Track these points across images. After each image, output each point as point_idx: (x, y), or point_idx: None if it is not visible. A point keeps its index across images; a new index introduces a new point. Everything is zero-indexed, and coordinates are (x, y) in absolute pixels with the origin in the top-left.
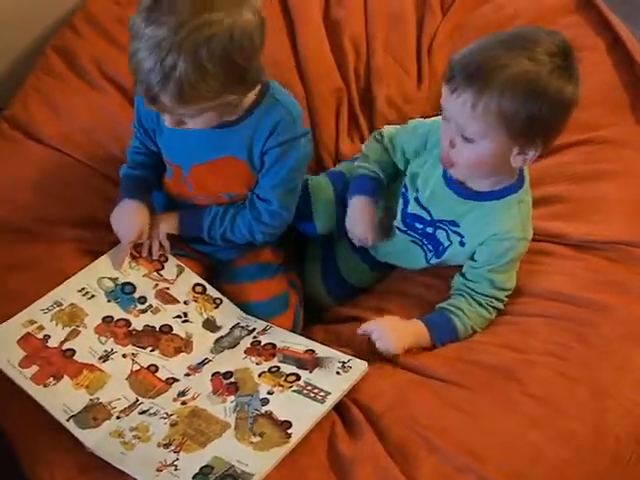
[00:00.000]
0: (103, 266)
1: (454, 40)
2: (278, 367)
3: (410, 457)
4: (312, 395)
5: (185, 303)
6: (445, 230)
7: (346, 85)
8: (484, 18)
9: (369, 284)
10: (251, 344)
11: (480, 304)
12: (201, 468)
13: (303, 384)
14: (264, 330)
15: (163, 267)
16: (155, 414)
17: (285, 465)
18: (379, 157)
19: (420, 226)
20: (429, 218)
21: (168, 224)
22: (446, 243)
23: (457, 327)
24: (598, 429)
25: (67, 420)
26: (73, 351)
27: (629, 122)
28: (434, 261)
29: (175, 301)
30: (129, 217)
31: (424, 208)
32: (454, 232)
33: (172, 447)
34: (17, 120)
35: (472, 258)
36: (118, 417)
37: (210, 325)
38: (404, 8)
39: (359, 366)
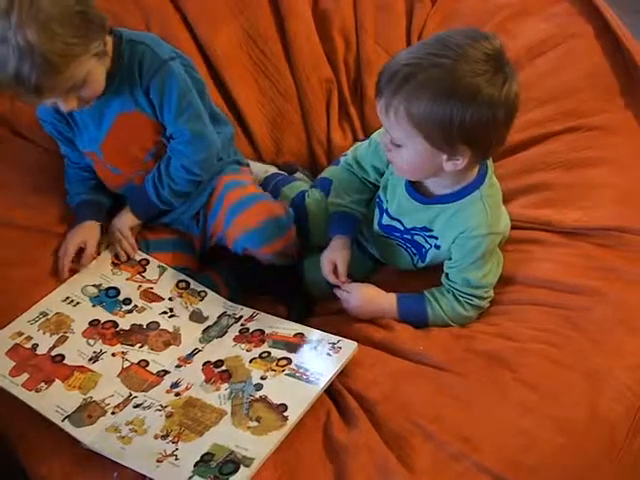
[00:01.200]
0: (85, 276)
1: (443, 29)
2: (269, 352)
3: (406, 445)
4: (305, 377)
5: (170, 299)
6: (421, 235)
7: (336, 76)
8: (473, 7)
9: (362, 275)
10: (239, 332)
11: (459, 302)
12: (202, 456)
13: (295, 367)
14: (251, 317)
15: (145, 269)
16: (149, 407)
17: (281, 453)
18: (352, 187)
19: (398, 234)
20: (402, 228)
21: (123, 219)
22: (427, 246)
23: (427, 314)
24: (592, 415)
25: (62, 421)
26: (62, 356)
27: (618, 108)
28: (420, 265)
29: (160, 299)
30: (74, 232)
31: (395, 219)
32: (429, 237)
33: (170, 438)
34: (3, 117)
35: (450, 258)
36: (113, 413)
37: (197, 317)
38: None
39: (349, 346)
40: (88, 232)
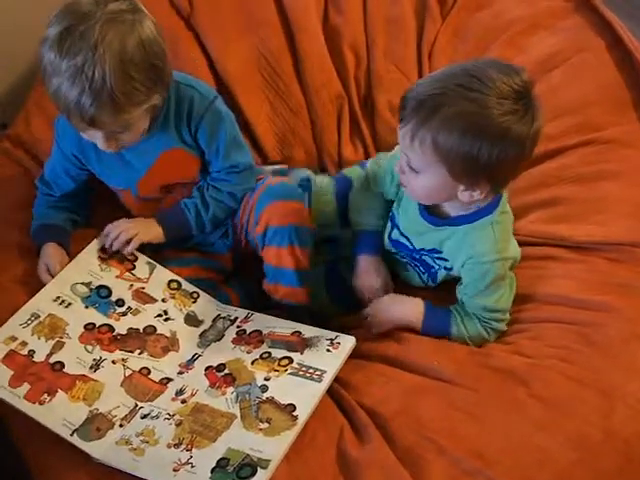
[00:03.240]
0: (73, 272)
1: (454, 44)
2: (269, 353)
3: (419, 461)
4: (308, 375)
5: (163, 301)
6: (429, 257)
7: (346, 91)
8: (484, 22)
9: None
10: (237, 334)
11: (482, 326)
12: (217, 461)
13: (297, 366)
14: (246, 318)
15: (134, 266)
16: (157, 416)
17: (295, 468)
18: (374, 204)
19: (407, 252)
20: (411, 247)
21: (150, 233)
22: (436, 267)
23: (452, 330)
24: (607, 431)
25: (71, 435)
26: (62, 364)
27: (631, 121)
28: (431, 284)
29: (153, 300)
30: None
31: (404, 236)
32: (438, 258)
33: (183, 446)
34: (20, 138)
35: (461, 282)
36: (121, 425)
37: (192, 320)
38: (403, 14)
39: (348, 341)
40: (46, 254)
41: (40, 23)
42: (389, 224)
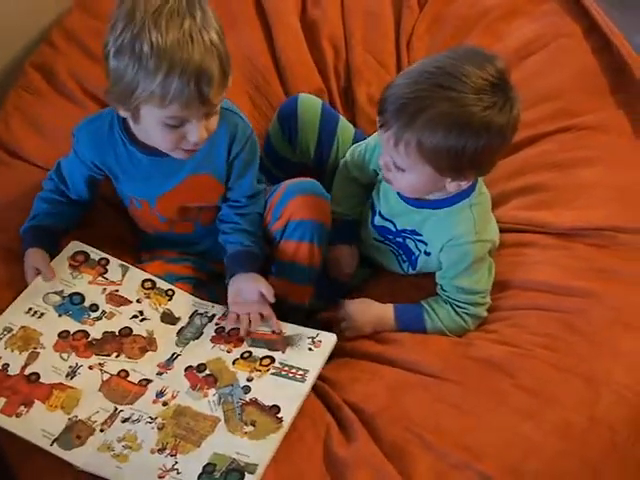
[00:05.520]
0: (44, 283)
1: (432, 33)
2: (250, 352)
3: (406, 456)
4: (291, 375)
5: (138, 301)
6: (411, 239)
7: (326, 85)
8: (460, 11)
9: (359, 281)
10: (216, 332)
11: (456, 312)
12: (204, 467)
13: (279, 365)
14: (225, 315)
15: (107, 270)
16: (139, 420)
17: (282, 468)
18: (349, 192)
19: (390, 236)
20: (394, 229)
21: (252, 285)
22: (416, 252)
23: (425, 324)
24: (592, 418)
25: (50, 445)
26: (37, 374)
27: (609, 106)
28: (411, 271)
29: (127, 302)
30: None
31: (388, 220)
32: (419, 241)
33: (167, 451)
34: (0, 139)
35: (440, 267)
36: (101, 430)
37: (168, 318)
38: (381, 5)
39: (329, 339)
40: (34, 258)
41: (11, 25)
42: (369, 212)
